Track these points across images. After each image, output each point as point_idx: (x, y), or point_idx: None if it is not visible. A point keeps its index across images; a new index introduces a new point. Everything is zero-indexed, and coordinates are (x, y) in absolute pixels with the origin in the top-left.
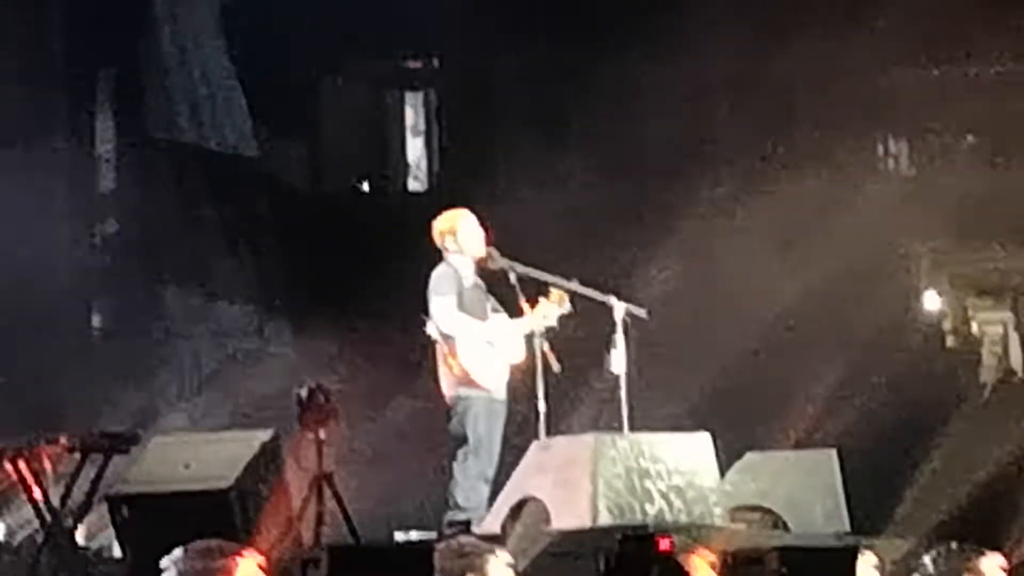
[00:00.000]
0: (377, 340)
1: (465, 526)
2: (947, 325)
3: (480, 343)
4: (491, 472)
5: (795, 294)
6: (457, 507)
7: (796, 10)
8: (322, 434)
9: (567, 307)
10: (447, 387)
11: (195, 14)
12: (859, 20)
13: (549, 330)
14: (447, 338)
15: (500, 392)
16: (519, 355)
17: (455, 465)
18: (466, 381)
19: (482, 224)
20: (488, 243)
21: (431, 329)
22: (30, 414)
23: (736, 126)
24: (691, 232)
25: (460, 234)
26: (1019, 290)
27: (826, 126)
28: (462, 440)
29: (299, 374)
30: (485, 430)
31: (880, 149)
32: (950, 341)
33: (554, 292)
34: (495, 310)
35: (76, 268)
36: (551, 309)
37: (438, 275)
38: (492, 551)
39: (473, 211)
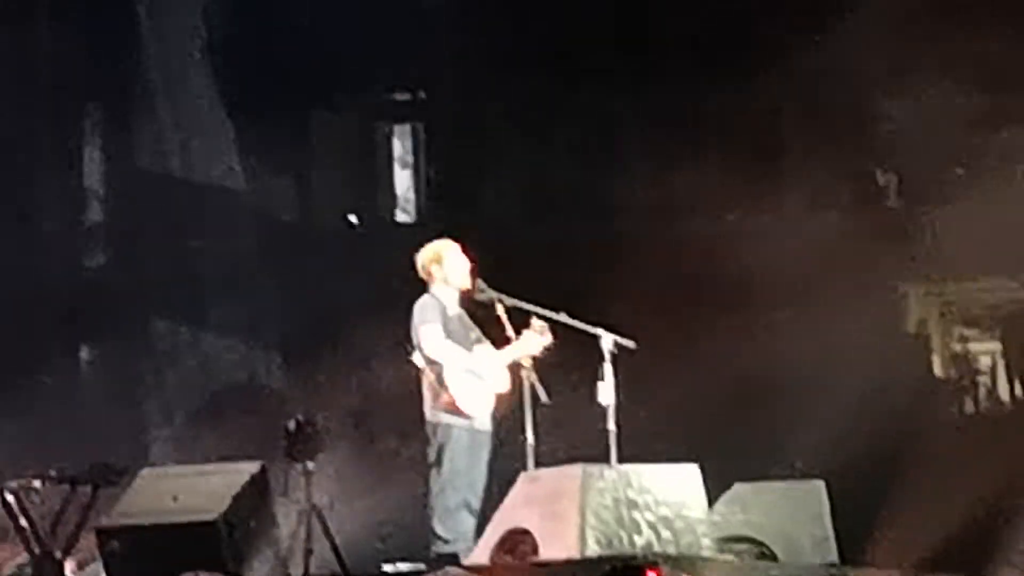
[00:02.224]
0: (365, 371)
1: (452, 558)
2: (937, 355)
3: (465, 372)
4: (476, 502)
5: (783, 324)
6: (439, 539)
7: (785, 41)
8: (310, 466)
9: (548, 338)
10: (429, 415)
11: (183, 47)
12: (848, 52)
13: (536, 361)
14: (433, 365)
15: (484, 423)
16: (504, 385)
17: (432, 497)
18: (451, 409)
19: (467, 255)
20: (474, 274)
21: (417, 358)
22: (18, 446)
23: (723, 158)
24: (678, 263)
25: (445, 264)
26: (1008, 320)
27: (815, 159)
28: (439, 470)
29: (287, 406)
30: (465, 460)
31: (870, 181)
32: (939, 371)
33: (535, 322)
34: (479, 340)
35: (64, 300)
36: (533, 340)
37: (422, 305)
38: None
39: (460, 243)
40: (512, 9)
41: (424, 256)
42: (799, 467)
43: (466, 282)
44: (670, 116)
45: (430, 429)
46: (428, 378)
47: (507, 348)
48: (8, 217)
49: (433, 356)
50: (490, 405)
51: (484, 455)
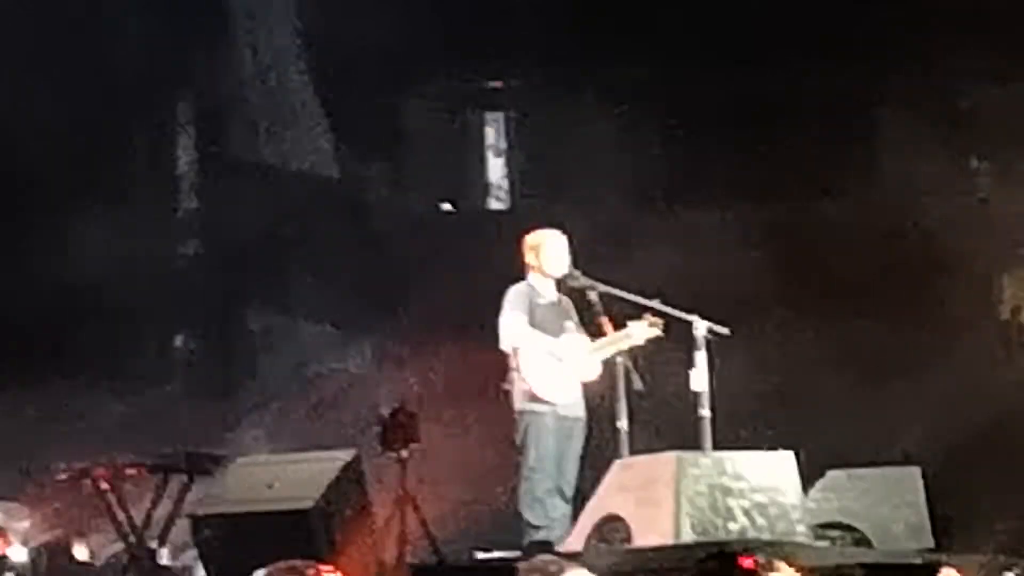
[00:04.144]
0: (459, 359)
1: (546, 545)
2: None
3: (545, 357)
4: (568, 489)
5: (877, 309)
6: (531, 527)
7: (878, 30)
8: (404, 454)
9: (658, 332)
10: (515, 402)
11: (275, 35)
12: (941, 38)
13: (632, 348)
14: (513, 352)
15: (571, 409)
16: (592, 373)
17: (521, 483)
18: (530, 396)
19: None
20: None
21: (504, 345)
22: (113, 435)
23: (820, 144)
24: (770, 249)
25: (543, 253)
26: None
27: (908, 145)
28: (525, 456)
29: (381, 394)
30: (552, 447)
31: (962, 168)
32: None
33: (649, 317)
34: (575, 329)
35: (158, 288)
36: (640, 331)
37: (511, 291)
38: (574, 569)
39: (553, 229)
40: None
41: (527, 240)
42: (894, 454)
43: (562, 271)
44: (765, 101)
45: (517, 416)
46: (512, 365)
47: (609, 337)
48: (102, 205)
49: (512, 343)
50: (575, 392)
51: (575, 442)
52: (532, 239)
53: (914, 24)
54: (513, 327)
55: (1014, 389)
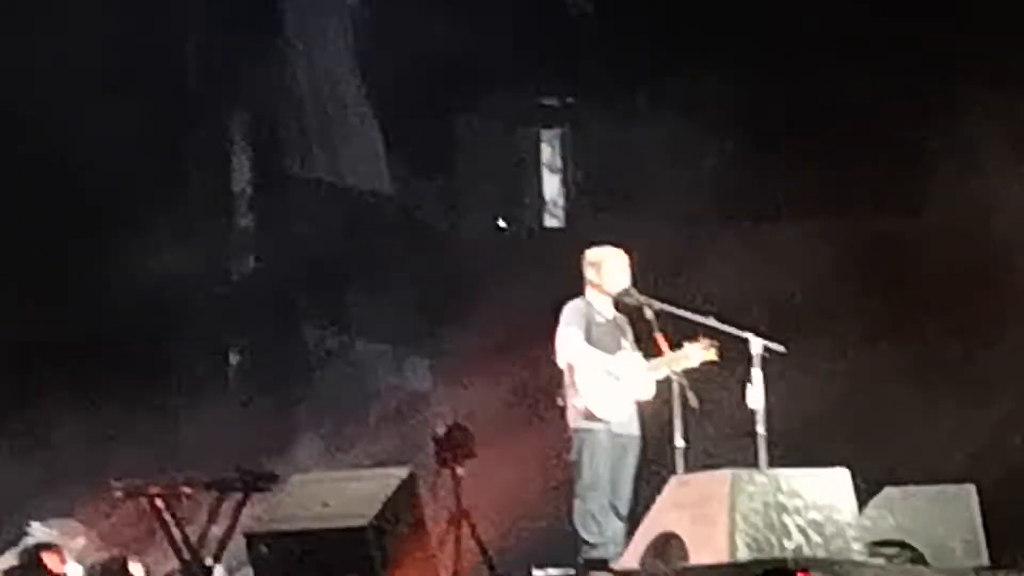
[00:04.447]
0: (514, 376)
1: (602, 563)
2: None
3: (602, 375)
4: (622, 506)
5: (935, 326)
6: (586, 544)
7: (954, 43)
8: (459, 471)
9: (712, 355)
10: (570, 419)
11: (331, 52)
12: (1018, 51)
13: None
14: (570, 368)
15: (626, 427)
16: (647, 392)
17: (576, 501)
18: (586, 413)
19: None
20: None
21: (560, 362)
22: (168, 453)
23: (883, 158)
24: (825, 265)
25: (603, 271)
26: None
27: (976, 160)
28: (580, 474)
29: (437, 411)
30: (606, 464)
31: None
32: None
33: (704, 339)
34: (630, 347)
35: (213, 305)
36: (696, 353)
37: (568, 307)
38: None
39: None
40: (657, 12)
41: (588, 256)
42: (950, 471)
43: (621, 288)
44: (824, 110)
45: (572, 434)
46: (567, 382)
47: (664, 358)
48: (158, 221)
49: (568, 360)
50: (630, 410)
51: (630, 459)
52: (593, 255)
53: (990, 36)
54: (570, 343)
55: None
